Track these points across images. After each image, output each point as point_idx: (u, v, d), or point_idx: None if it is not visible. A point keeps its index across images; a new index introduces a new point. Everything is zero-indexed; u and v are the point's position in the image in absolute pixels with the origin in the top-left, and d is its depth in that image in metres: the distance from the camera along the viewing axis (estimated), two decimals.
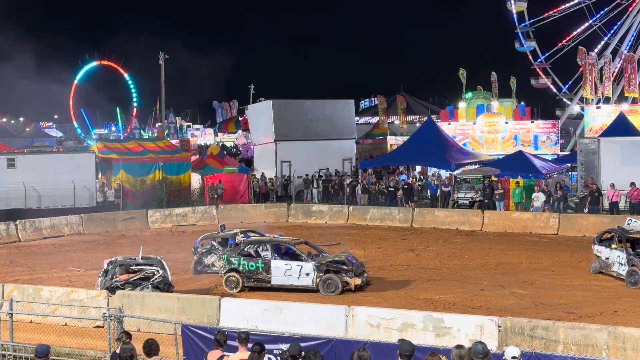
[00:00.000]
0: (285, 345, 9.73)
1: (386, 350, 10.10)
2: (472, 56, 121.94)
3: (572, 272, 20.08)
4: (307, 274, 17.56)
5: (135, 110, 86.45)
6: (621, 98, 50.62)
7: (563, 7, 55.68)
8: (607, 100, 49.89)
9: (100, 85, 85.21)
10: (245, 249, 18.62)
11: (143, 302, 14.85)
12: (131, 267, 16.99)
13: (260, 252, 18.62)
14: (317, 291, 17.48)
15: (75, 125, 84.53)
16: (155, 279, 16.41)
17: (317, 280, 17.50)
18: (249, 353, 8.70)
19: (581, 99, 52.37)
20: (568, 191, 31.51)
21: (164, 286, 16.34)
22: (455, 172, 33.84)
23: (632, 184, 28.22)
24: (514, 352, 7.87)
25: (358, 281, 17.52)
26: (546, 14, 56.08)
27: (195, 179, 35.41)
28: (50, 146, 59.22)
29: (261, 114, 41.56)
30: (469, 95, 50.20)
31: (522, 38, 55.73)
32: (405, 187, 33.13)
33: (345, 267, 17.57)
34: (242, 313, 14.19)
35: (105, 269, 16.87)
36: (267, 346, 9.23)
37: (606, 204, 29.05)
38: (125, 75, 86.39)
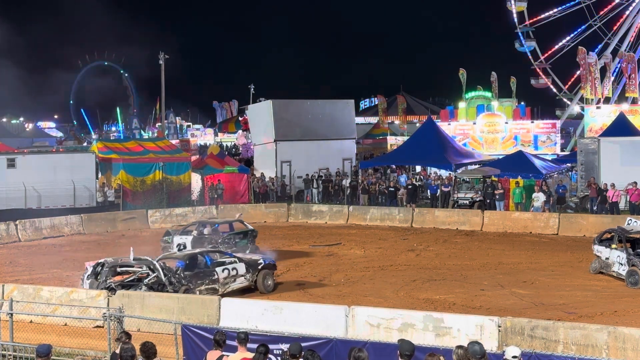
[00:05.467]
0: (286, 346, 9.73)
1: (386, 350, 10.10)
2: (472, 56, 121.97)
3: (572, 272, 20.07)
4: None
5: (135, 110, 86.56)
6: (621, 98, 50.67)
7: (563, 7, 55.72)
8: (607, 100, 49.93)
9: (100, 85, 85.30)
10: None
11: (143, 302, 14.83)
12: (118, 270, 16.69)
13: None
14: None
15: (75, 123, 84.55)
16: (150, 279, 16.17)
17: None
18: (248, 353, 8.70)
19: (581, 99, 52.40)
20: (566, 190, 31.56)
21: (158, 287, 16.05)
22: (455, 172, 33.84)
23: (635, 183, 28.24)
24: (515, 352, 7.87)
25: None
26: (546, 14, 56.09)
27: (195, 179, 35.40)
28: (50, 146, 59.13)
29: (261, 114, 41.54)
30: (469, 95, 50.24)
31: (522, 38, 55.71)
32: (410, 186, 33.14)
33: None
34: (242, 313, 14.17)
35: (92, 271, 16.64)
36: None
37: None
38: (125, 76, 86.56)
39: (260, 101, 51.82)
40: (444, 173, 35.90)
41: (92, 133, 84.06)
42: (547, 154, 41.13)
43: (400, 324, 12.95)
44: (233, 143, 66.07)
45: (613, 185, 28.65)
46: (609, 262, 18.84)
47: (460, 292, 17.78)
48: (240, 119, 68.46)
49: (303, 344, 8.94)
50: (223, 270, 17.40)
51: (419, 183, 34.90)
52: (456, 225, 28.57)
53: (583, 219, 26.98)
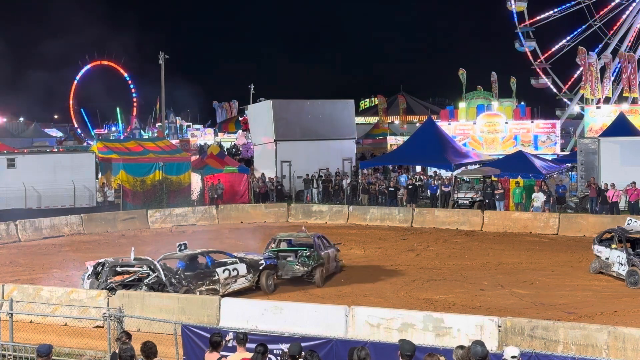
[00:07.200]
0: (285, 346, 9.73)
1: (386, 350, 10.11)
2: (472, 56, 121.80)
3: (572, 272, 20.08)
4: None
5: (135, 110, 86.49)
6: (621, 98, 50.62)
7: (563, 7, 55.69)
8: (607, 100, 49.90)
9: (100, 85, 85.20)
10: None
11: (143, 302, 14.84)
12: (118, 269, 16.67)
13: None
14: None
15: (75, 125, 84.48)
16: (150, 279, 16.15)
17: None
18: (247, 353, 8.70)
19: (581, 99, 52.35)
20: (566, 190, 31.58)
21: (159, 287, 16.05)
22: (455, 172, 33.84)
23: (633, 183, 28.27)
24: (514, 352, 7.88)
25: None
26: (546, 14, 56.05)
27: (195, 179, 35.39)
28: (50, 146, 59.10)
29: (261, 114, 41.54)
30: (469, 95, 50.21)
31: (522, 38, 55.66)
32: (410, 186, 33.14)
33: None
34: (242, 313, 14.18)
35: (93, 271, 16.65)
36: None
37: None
38: (126, 75, 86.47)
39: (260, 101, 51.83)
40: (443, 173, 35.90)
41: (92, 133, 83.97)
42: (547, 154, 41.09)
43: (400, 324, 12.96)
44: (233, 143, 66.05)
45: (613, 185, 28.66)
46: (609, 262, 18.85)
47: (460, 292, 17.79)
48: (240, 119, 68.54)
49: (303, 344, 8.94)
50: (224, 271, 17.30)
51: (419, 183, 34.90)
52: (456, 225, 28.57)
53: (583, 219, 26.99)
